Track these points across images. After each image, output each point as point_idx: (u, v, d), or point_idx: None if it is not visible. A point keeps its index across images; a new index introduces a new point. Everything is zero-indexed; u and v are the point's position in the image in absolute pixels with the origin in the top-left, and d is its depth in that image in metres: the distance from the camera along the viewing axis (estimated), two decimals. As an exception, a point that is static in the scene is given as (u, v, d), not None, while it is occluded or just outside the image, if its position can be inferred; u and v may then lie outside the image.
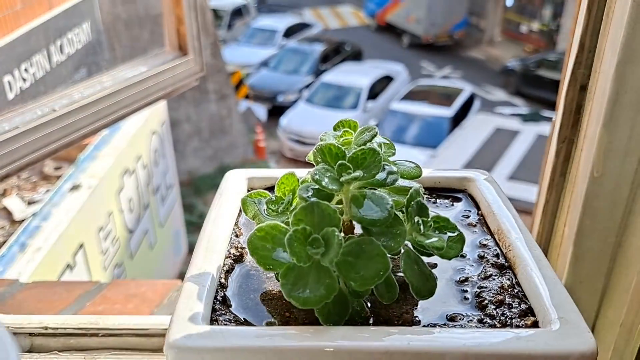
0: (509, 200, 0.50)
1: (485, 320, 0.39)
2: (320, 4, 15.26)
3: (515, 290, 0.41)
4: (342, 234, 0.37)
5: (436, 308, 0.40)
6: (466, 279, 0.43)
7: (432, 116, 7.34)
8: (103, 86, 0.97)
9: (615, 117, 0.50)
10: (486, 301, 0.40)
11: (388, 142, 0.44)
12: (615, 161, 0.51)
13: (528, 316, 0.38)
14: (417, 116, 7.38)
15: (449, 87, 8.65)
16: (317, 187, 0.38)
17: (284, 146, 8.12)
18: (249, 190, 0.54)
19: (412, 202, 0.40)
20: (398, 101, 7.92)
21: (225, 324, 0.37)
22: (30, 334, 0.67)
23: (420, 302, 0.40)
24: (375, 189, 0.39)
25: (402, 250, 0.40)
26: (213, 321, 0.37)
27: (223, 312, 0.38)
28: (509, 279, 0.42)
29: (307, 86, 9.31)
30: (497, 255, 0.45)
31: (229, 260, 0.44)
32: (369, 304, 0.40)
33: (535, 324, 0.37)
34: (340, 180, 0.38)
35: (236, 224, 0.48)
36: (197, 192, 6.50)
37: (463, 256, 0.45)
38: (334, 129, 0.45)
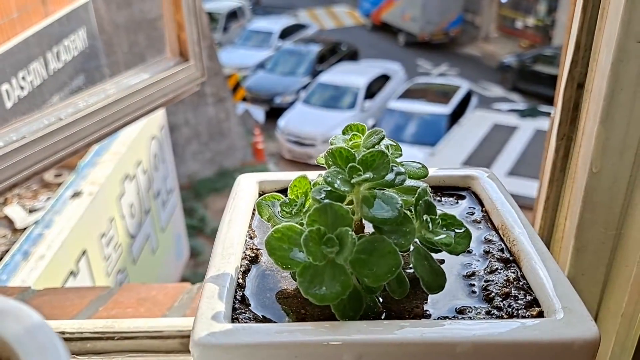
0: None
1: (492, 312, 0.40)
2: (316, 5, 15.29)
3: (521, 283, 0.43)
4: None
5: (445, 302, 0.42)
6: (473, 274, 0.44)
7: (430, 114, 7.36)
8: (107, 94, 0.98)
9: (612, 115, 0.52)
10: (493, 294, 0.42)
11: (394, 144, 0.46)
12: (612, 157, 0.53)
13: (533, 307, 0.40)
14: (414, 114, 7.40)
15: (446, 84, 8.68)
16: (329, 189, 0.40)
17: (283, 148, 8.14)
18: (260, 194, 0.55)
19: (420, 201, 0.41)
20: (395, 100, 7.95)
21: (246, 322, 0.39)
22: (47, 339, 0.69)
23: (430, 297, 0.42)
24: (385, 190, 0.41)
25: (412, 247, 0.41)
26: (234, 319, 0.39)
27: (243, 310, 0.40)
28: (514, 272, 0.44)
29: (304, 87, 9.33)
30: (502, 250, 0.47)
31: (245, 262, 0.45)
32: (380, 300, 0.42)
33: (540, 314, 0.39)
34: (352, 182, 0.40)
35: (250, 226, 0.50)
36: (197, 195, 6.52)
37: (469, 252, 0.47)
38: (343, 133, 0.47)
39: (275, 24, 11.90)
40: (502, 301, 0.41)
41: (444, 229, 0.42)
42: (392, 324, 0.37)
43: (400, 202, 0.39)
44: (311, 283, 0.37)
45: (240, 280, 0.43)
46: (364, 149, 0.43)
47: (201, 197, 6.50)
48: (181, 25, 1.13)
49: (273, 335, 0.36)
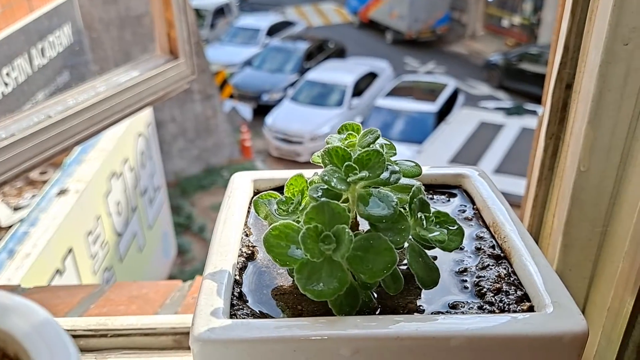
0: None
1: (484, 307, 0.42)
2: (303, 2, 15.26)
3: (512, 279, 0.44)
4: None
5: (438, 297, 0.43)
6: (465, 270, 0.45)
7: (417, 112, 7.40)
8: (97, 92, 0.98)
9: (599, 115, 0.53)
10: (485, 289, 0.43)
11: (389, 143, 0.47)
12: (600, 156, 0.55)
13: (524, 302, 0.41)
14: (402, 112, 7.43)
15: (433, 82, 8.73)
16: (326, 187, 0.41)
17: (270, 145, 8.12)
18: (255, 192, 0.56)
19: (415, 199, 0.42)
20: (383, 98, 7.97)
21: (244, 317, 0.39)
22: (39, 337, 0.69)
23: (424, 292, 0.43)
24: (380, 188, 0.42)
25: (407, 244, 0.42)
26: (232, 315, 0.39)
27: (241, 306, 0.41)
28: (505, 268, 0.45)
29: (292, 84, 9.31)
30: (493, 247, 0.48)
31: (242, 259, 0.46)
32: (375, 295, 0.43)
33: (530, 309, 0.40)
34: (348, 180, 0.40)
35: (245, 224, 0.51)
36: (183, 193, 6.49)
37: (461, 248, 0.48)
38: (339, 132, 0.47)
39: (263, 21, 11.87)
40: (493, 296, 0.42)
41: (438, 226, 0.43)
42: (388, 318, 0.38)
43: (396, 200, 0.40)
44: (309, 279, 0.38)
45: (238, 277, 0.44)
46: (360, 148, 0.44)
47: (188, 194, 6.47)
48: (171, 22, 1.12)
49: (272, 330, 0.36)
